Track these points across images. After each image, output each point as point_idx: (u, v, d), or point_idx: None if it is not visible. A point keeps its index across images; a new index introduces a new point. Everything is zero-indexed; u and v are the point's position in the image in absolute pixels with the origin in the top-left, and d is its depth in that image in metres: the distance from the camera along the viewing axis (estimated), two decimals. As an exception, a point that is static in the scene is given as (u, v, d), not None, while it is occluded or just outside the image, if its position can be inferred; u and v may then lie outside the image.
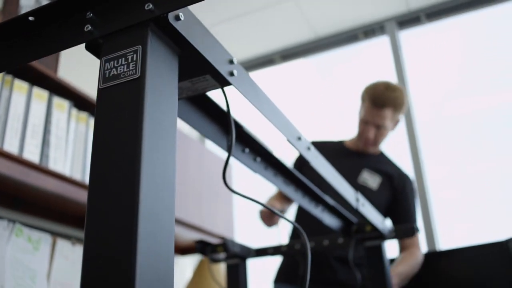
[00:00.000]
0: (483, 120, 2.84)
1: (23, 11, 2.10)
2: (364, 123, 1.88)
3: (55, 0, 0.51)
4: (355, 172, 1.87)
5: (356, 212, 1.12)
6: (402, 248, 1.80)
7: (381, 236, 1.22)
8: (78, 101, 1.75)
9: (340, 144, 2.04)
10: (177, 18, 0.51)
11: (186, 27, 0.53)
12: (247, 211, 2.98)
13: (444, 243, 2.60)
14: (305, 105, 3.39)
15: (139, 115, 0.47)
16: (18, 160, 1.43)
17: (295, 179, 0.92)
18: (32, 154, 1.56)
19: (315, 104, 3.39)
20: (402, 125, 2.85)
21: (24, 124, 1.57)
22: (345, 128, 3.16)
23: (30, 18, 0.52)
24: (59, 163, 1.65)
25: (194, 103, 0.68)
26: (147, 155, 0.46)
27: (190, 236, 2.12)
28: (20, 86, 1.57)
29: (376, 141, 1.88)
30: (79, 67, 2.31)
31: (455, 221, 2.74)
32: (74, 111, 1.74)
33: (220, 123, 0.73)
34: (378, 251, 1.21)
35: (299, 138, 0.77)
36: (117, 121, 0.48)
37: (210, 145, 3.26)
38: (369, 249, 1.23)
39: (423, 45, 3.13)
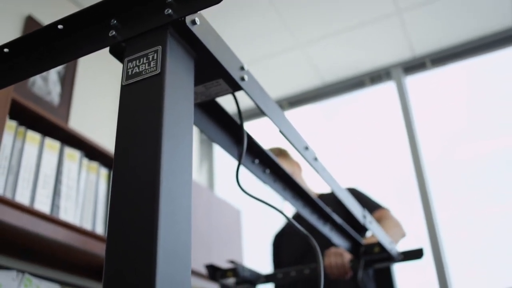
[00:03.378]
0: (491, 163, 2.85)
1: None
2: None
3: (82, 9, 0.57)
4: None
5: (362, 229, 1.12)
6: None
7: (389, 258, 1.21)
8: (89, 151, 1.79)
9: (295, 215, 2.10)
10: (194, 22, 0.56)
11: (201, 32, 0.58)
12: (257, 239, 2.94)
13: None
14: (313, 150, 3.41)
15: (160, 107, 0.50)
16: (29, 210, 1.45)
17: (303, 195, 0.94)
18: (43, 204, 1.58)
19: (322, 149, 3.42)
20: (410, 167, 2.87)
21: (35, 175, 1.60)
22: (353, 173, 3.18)
23: (59, 26, 0.58)
24: (70, 213, 1.67)
25: (208, 111, 0.72)
26: (167, 143, 0.49)
27: (199, 285, 2.08)
28: (33, 137, 1.62)
29: None
30: (90, 117, 2.38)
31: (468, 265, 2.68)
32: (85, 161, 1.78)
33: (232, 133, 0.76)
34: (387, 273, 1.19)
35: (307, 148, 0.80)
36: (139, 114, 0.52)
37: (219, 192, 3.27)
38: (378, 271, 1.21)
39: (429, 90, 3.19)
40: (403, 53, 3.07)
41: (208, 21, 0.60)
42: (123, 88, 0.54)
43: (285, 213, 0.68)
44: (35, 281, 1.56)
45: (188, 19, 0.56)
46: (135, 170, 0.49)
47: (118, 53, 0.59)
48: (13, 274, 1.51)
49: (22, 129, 1.60)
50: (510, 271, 2.52)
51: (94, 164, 1.80)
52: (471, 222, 2.79)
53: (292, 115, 3.50)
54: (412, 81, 3.15)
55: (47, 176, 1.64)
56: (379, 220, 1.75)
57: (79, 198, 1.72)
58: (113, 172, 0.51)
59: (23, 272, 1.54)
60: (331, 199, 1.99)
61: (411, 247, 1.29)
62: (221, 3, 0.58)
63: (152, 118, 0.50)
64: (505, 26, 2.87)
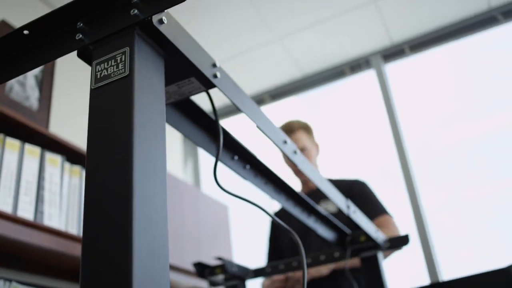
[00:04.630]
0: (475, 146, 2.89)
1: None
2: (287, 160, 2.00)
3: (47, 13, 0.56)
4: None
5: (348, 221, 1.13)
6: None
7: (376, 246, 1.22)
8: (71, 155, 1.77)
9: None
10: (161, 21, 0.56)
11: (169, 30, 0.57)
12: (245, 234, 2.95)
13: (445, 272, 2.57)
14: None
15: (130, 110, 0.50)
16: (12, 218, 1.43)
17: (286, 188, 0.94)
18: (26, 211, 1.56)
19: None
20: (394, 155, 2.90)
21: (17, 181, 1.58)
22: (338, 162, 3.19)
23: (25, 32, 0.57)
24: (54, 218, 1.65)
25: (183, 110, 0.72)
26: (139, 145, 0.49)
27: (188, 282, 2.08)
28: (12, 144, 1.60)
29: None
30: (70, 121, 2.35)
31: (455, 248, 2.72)
32: (67, 165, 1.76)
33: (209, 131, 0.76)
34: (374, 261, 1.21)
35: (285, 142, 0.80)
36: (109, 117, 0.51)
37: (205, 189, 3.27)
38: (364, 260, 1.23)
39: (409, 76, 3.22)
40: (382, 41, 3.09)
41: (176, 20, 0.59)
42: (92, 91, 0.53)
43: (266, 209, 0.68)
44: (23, 288, 1.55)
45: (154, 18, 0.55)
46: (107, 174, 0.49)
47: (86, 57, 0.58)
48: (0, 283, 1.49)
49: (1, 136, 1.57)
50: (497, 253, 2.57)
51: (77, 168, 1.79)
52: (456, 206, 2.84)
53: (275, 108, 3.51)
54: (392, 68, 3.18)
55: (29, 183, 1.62)
56: (379, 227, 1.73)
57: (63, 202, 1.70)
58: (86, 177, 0.51)
59: (10, 280, 1.52)
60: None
61: (403, 255, 1.30)
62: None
63: (123, 121, 0.50)
64: (480, 9, 2.90)
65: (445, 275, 2.57)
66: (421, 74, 3.19)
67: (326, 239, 1.15)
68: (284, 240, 1.97)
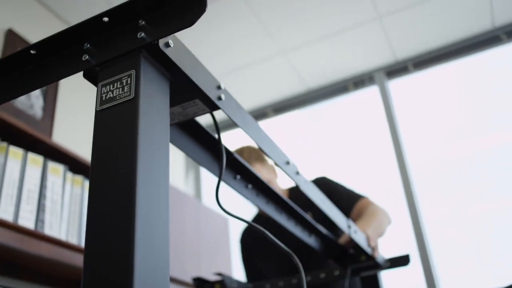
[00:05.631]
0: (476, 163, 2.89)
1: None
2: None
3: (54, 33, 0.57)
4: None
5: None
6: (358, 215, 1.67)
7: (376, 266, 1.22)
8: (73, 164, 1.77)
9: (258, 217, 1.95)
10: (167, 45, 0.56)
11: (175, 53, 0.58)
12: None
13: (445, 286, 2.56)
14: (299, 156, 3.44)
15: (134, 132, 0.50)
16: (13, 227, 1.43)
17: (287, 208, 0.94)
18: (27, 220, 1.56)
19: (308, 154, 3.44)
20: (396, 170, 2.90)
21: (19, 190, 1.58)
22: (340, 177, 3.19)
23: (32, 51, 0.58)
24: (55, 227, 1.65)
25: (186, 130, 0.72)
26: (143, 167, 0.49)
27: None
28: (15, 153, 1.60)
29: None
30: (73, 131, 2.36)
31: (455, 264, 2.70)
32: (69, 174, 1.76)
33: (212, 150, 0.76)
34: (374, 281, 1.20)
35: (288, 163, 0.80)
36: (114, 139, 0.52)
37: (206, 201, 3.26)
38: (365, 279, 1.22)
39: (412, 93, 3.23)
40: (385, 58, 3.11)
41: (182, 42, 0.60)
42: (98, 113, 0.54)
43: (265, 230, 0.68)
44: (21, 298, 1.54)
45: (161, 42, 0.56)
46: (110, 198, 0.49)
47: (92, 77, 0.58)
48: (-1, 291, 1.49)
49: (4, 144, 1.58)
50: (498, 271, 2.55)
51: (79, 178, 1.79)
52: (457, 222, 2.82)
53: (277, 122, 3.52)
54: (395, 85, 3.19)
55: (30, 191, 1.62)
56: (362, 211, 1.66)
57: (64, 212, 1.70)
58: (89, 200, 0.51)
59: (8, 289, 1.52)
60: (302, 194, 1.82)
61: (398, 253, 1.29)
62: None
63: (127, 144, 0.50)
64: (484, 29, 2.92)
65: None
66: (424, 91, 3.20)
67: (327, 257, 1.15)
68: (264, 258, 1.84)
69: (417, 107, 3.18)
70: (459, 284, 2.62)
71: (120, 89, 0.54)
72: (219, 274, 1.28)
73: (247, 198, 0.85)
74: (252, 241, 1.88)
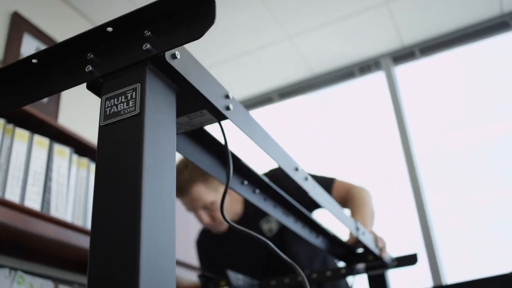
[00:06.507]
0: (483, 151, 2.86)
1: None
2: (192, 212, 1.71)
3: (57, 43, 0.54)
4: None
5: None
6: (344, 203, 1.59)
7: (383, 265, 1.22)
8: (79, 147, 1.77)
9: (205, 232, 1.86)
10: (174, 56, 0.54)
11: (182, 65, 0.55)
12: None
13: (449, 275, 2.57)
14: (304, 141, 3.43)
15: (140, 149, 0.49)
16: (19, 208, 1.44)
17: (294, 211, 0.93)
18: (33, 201, 1.57)
19: (314, 140, 3.42)
20: (401, 157, 2.88)
21: (25, 172, 1.58)
22: (344, 162, 3.18)
23: (34, 61, 0.55)
24: (61, 209, 1.66)
25: (192, 137, 0.70)
26: (148, 188, 0.48)
27: (192, 277, 2.09)
28: (21, 135, 1.60)
29: (216, 218, 1.66)
30: (79, 113, 2.35)
31: (460, 252, 2.71)
32: (75, 157, 1.76)
33: (219, 157, 0.75)
34: (381, 280, 1.20)
35: (296, 169, 0.79)
36: (118, 156, 0.50)
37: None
38: (372, 278, 1.22)
39: (418, 79, 3.19)
40: (392, 43, 3.06)
41: (189, 52, 0.57)
42: (101, 128, 0.52)
43: (268, 242, 0.67)
44: (28, 278, 1.56)
45: (167, 54, 0.53)
46: (115, 217, 0.48)
47: (96, 89, 0.56)
48: (6, 272, 1.51)
49: (10, 126, 1.57)
50: (502, 258, 2.55)
51: (84, 160, 1.79)
52: (462, 210, 2.82)
53: (283, 107, 3.48)
54: (401, 71, 3.15)
55: (36, 173, 1.62)
56: (346, 199, 1.57)
57: (69, 194, 1.70)
58: (93, 218, 0.50)
59: (15, 269, 1.54)
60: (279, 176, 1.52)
61: (405, 252, 1.28)
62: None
63: (132, 163, 0.49)
64: (492, 14, 2.86)
65: (449, 279, 2.57)
66: (430, 77, 3.15)
67: (335, 257, 1.14)
68: (227, 263, 1.70)
69: (423, 93, 3.13)
70: (463, 271, 2.63)
71: (125, 103, 0.52)
72: (225, 271, 1.28)
73: (254, 202, 0.84)
74: (212, 247, 1.82)
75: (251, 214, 1.69)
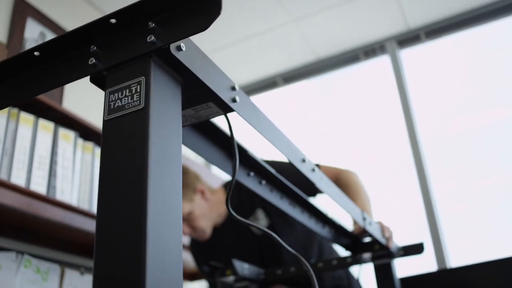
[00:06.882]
0: (489, 135, 2.84)
1: (28, 44, 2.14)
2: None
3: (59, 35, 0.53)
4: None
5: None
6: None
7: (390, 255, 1.22)
8: (84, 131, 1.77)
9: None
10: (179, 48, 0.52)
11: (187, 57, 0.54)
12: None
13: (453, 259, 2.57)
14: (309, 126, 3.41)
15: (145, 145, 0.48)
16: (25, 192, 1.44)
17: (300, 201, 0.93)
18: (39, 185, 1.57)
19: (318, 125, 3.41)
20: (406, 141, 2.86)
21: (30, 156, 1.58)
22: (349, 147, 3.17)
23: (36, 53, 0.54)
24: (66, 193, 1.66)
25: (198, 129, 0.69)
26: (153, 184, 0.47)
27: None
28: (26, 119, 1.60)
29: (196, 228, 1.63)
30: (84, 97, 2.34)
31: (464, 236, 2.71)
32: (80, 141, 1.76)
33: (224, 148, 0.74)
34: (388, 270, 1.20)
35: (303, 160, 0.78)
36: (123, 152, 0.49)
37: (216, 169, 3.27)
38: (378, 267, 1.22)
39: (424, 62, 3.15)
40: (397, 26, 3.00)
41: (195, 44, 0.56)
42: (105, 123, 0.51)
43: (275, 236, 0.67)
44: (35, 261, 1.57)
45: (172, 46, 0.52)
46: (119, 211, 0.47)
47: (99, 82, 0.55)
48: (13, 255, 1.52)
49: (15, 110, 1.57)
50: (506, 242, 2.55)
51: (89, 144, 1.78)
52: (467, 195, 2.81)
53: (287, 91, 3.45)
54: (407, 54, 3.10)
55: (42, 157, 1.62)
56: (338, 184, 1.50)
57: (75, 178, 1.71)
58: (98, 214, 0.49)
59: (22, 253, 1.55)
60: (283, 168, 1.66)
61: (410, 237, 1.28)
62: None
63: (137, 158, 0.48)
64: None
65: (453, 263, 2.58)
66: (436, 61, 3.10)
67: (342, 246, 1.14)
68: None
69: (429, 77, 3.09)
70: (467, 255, 2.64)
71: (129, 97, 0.51)
72: (230, 261, 1.27)
73: (261, 194, 0.83)
74: (206, 251, 1.78)
75: (237, 211, 1.63)
